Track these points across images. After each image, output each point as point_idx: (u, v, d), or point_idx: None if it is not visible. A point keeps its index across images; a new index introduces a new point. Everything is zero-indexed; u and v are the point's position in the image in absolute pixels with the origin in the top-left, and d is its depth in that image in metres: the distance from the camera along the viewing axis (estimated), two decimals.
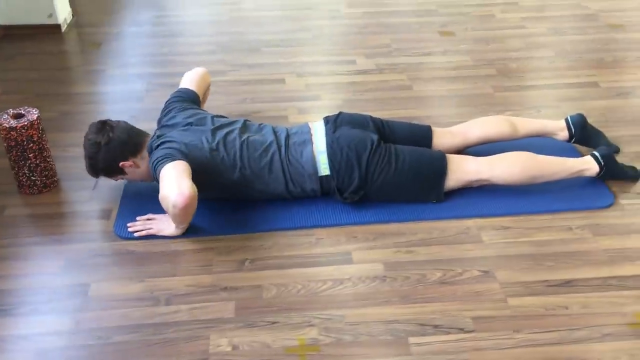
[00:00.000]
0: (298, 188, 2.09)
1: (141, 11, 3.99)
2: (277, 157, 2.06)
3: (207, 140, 2.05)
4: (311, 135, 2.11)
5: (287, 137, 2.11)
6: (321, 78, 3.08)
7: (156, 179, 1.97)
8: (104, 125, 2.08)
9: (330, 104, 2.82)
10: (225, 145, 2.05)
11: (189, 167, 1.92)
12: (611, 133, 2.46)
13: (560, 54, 3.29)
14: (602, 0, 4.00)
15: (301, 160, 2.06)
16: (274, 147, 2.07)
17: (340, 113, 2.22)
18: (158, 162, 1.95)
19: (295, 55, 3.30)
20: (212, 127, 2.11)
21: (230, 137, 2.08)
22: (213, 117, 2.18)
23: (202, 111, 2.22)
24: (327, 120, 2.18)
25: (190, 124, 2.12)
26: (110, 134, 2.06)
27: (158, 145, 2.04)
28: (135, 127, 2.15)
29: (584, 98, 2.82)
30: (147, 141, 2.12)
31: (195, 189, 1.85)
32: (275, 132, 2.13)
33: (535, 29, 3.62)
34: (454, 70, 3.14)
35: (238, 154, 2.04)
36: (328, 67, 3.19)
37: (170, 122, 2.16)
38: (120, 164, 2.07)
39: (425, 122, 2.40)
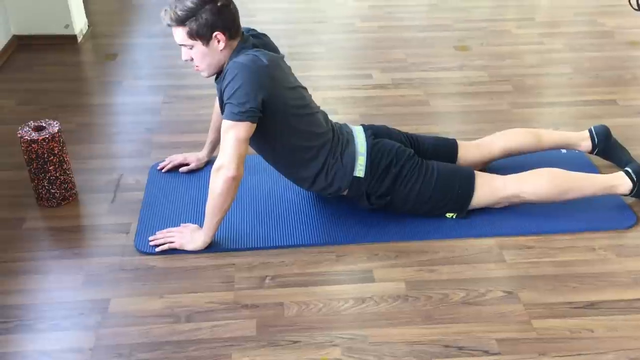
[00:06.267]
0: (328, 180, 2.07)
1: (156, 22, 4.00)
2: (328, 145, 2.06)
3: (288, 90, 1.98)
4: (353, 136, 2.13)
5: (338, 129, 2.13)
6: (338, 92, 3.08)
7: (221, 106, 1.93)
8: None
9: (348, 119, 2.81)
10: (297, 106, 2.01)
11: (251, 133, 1.88)
12: (632, 152, 2.44)
13: (578, 70, 3.28)
14: (618, 17, 4.00)
15: (342, 156, 2.07)
16: (329, 135, 2.08)
17: (381, 125, 2.27)
18: (234, 107, 1.84)
19: (310, 68, 3.30)
20: (296, 81, 2.06)
21: (304, 101, 2.04)
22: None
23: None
24: (366, 127, 2.20)
25: (279, 62, 2.02)
26: (226, 0, 1.90)
27: (251, 46, 1.94)
28: None
29: (603, 116, 2.81)
30: (240, 39, 1.97)
31: (241, 174, 1.88)
32: (330, 121, 2.15)
33: (551, 45, 3.62)
34: (471, 86, 3.13)
35: (301, 123, 2.01)
36: (344, 81, 3.19)
37: (261, 42, 2.04)
38: (217, 33, 1.89)
39: None
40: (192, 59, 1.95)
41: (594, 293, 1.84)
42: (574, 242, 2.04)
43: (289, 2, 4.40)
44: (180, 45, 1.93)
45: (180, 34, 1.90)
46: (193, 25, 1.86)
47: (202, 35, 1.88)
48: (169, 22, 1.89)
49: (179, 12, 1.85)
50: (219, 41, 1.91)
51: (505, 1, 4.41)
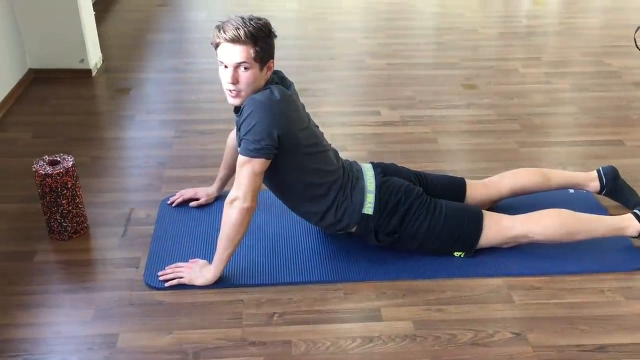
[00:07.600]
0: (337, 217, 2.09)
1: (169, 58, 4.09)
2: (338, 183, 2.09)
3: (302, 129, 2.01)
4: (362, 173, 2.16)
5: (348, 167, 2.17)
6: (346, 128, 3.12)
7: (238, 135, 1.97)
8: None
9: (356, 156, 2.82)
10: (309, 144, 2.04)
11: (265, 168, 1.94)
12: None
13: (584, 110, 3.32)
14: (624, 58, 4.06)
15: (352, 193, 2.09)
16: (340, 172, 2.11)
17: (390, 163, 2.31)
18: (250, 143, 1.89)
19: (320, 105, 3.35)
20: (309, 118, 2.10)
21: (317, 139, 2.08)
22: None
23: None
24: (375, 165, 2.24)
25: (293, 97, 2.04)
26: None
27: (273, 82, 1.98)
28: None
29: (610, 156, 2.83)
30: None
31: (255, 206, 1.94)
32: (341, 159, 2.18)
33: (558, 84, 3.66)
34: (479, 124, 3.17)
35: (313, 161, 2.05)
36: (353, 118, 3.24)
37: (279, 77, 2.06)
38: (272, 60, 1.95)
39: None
40: (236, 82, 1.91)
41: (603, 336, 1.83)
42: (583, 283, 2.04)
43: (300, 39, 4.49)
44: (237, 63, 1.88)
45: (245, 52, 1.86)
46: (263, 46, 1.89)
47: (264, 58, 1.91)
48: (240, 37, 1.84)
49: (254, 31, 1.85)
50: (268, 69, 1.96)
51: (512, 40, 4.48)
